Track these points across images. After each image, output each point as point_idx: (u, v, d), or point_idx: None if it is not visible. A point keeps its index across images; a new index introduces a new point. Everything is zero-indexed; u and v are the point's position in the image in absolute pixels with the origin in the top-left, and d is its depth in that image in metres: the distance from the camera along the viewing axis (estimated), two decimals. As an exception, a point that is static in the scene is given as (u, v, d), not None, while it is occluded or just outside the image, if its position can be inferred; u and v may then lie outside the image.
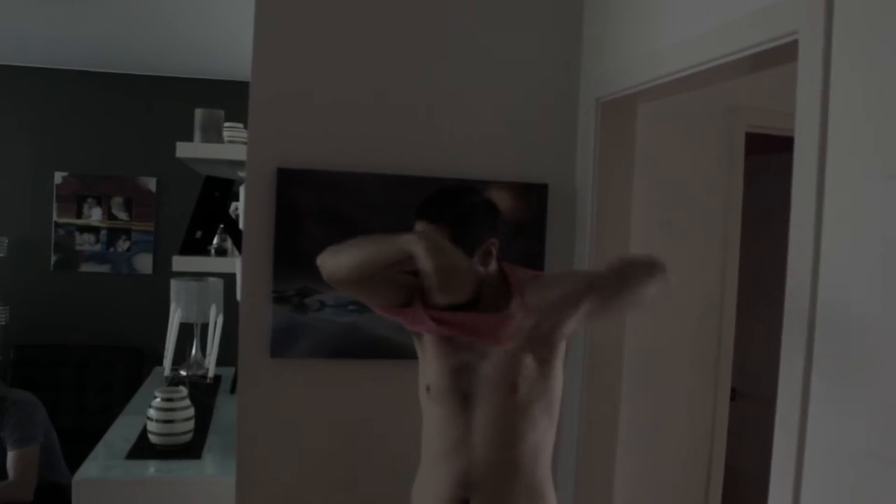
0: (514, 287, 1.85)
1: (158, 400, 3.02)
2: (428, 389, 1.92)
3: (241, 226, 2.52)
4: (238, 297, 2.47)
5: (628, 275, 1.75)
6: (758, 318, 2.87)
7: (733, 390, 3.23)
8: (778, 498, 1.56)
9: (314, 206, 2.34)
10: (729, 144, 2.77)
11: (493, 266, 1.86)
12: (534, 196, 2.47)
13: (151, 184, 5.44)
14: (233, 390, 3.80)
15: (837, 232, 1.45)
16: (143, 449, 3.04)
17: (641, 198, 2.61)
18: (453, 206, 1.83)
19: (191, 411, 3.07)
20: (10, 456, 3.28)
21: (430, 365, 1.92)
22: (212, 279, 4.11)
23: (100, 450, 3.05)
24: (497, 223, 1.88)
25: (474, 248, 1.81)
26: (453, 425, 1.88)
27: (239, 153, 2.92)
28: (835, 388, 1.45)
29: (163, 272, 5.25)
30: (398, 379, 2.40)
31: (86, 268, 5.44)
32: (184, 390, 3.10)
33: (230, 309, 3.94)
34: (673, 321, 2.74)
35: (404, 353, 2.37)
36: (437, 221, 1.79)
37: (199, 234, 3.06)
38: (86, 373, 5.29)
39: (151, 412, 3.02)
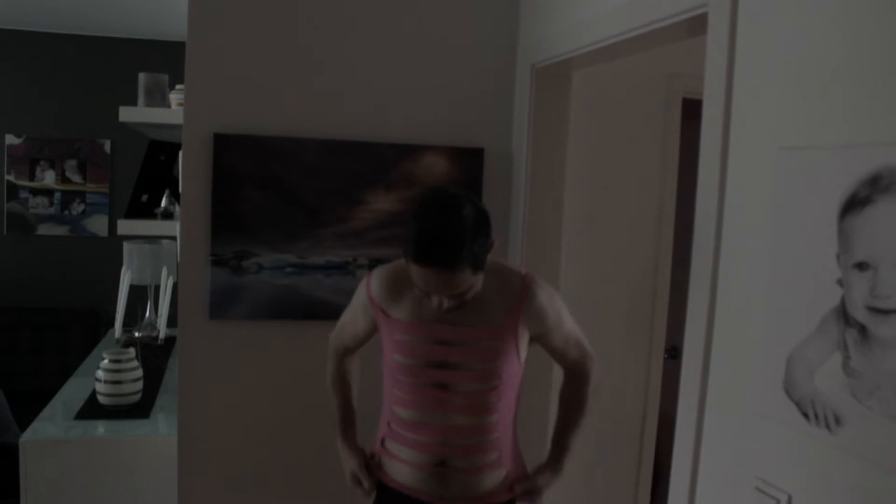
0: (518, 290, 1.87)
1: (106, 361, 3.05)
2: (398, 361, 1.91)
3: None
4: (178, 259, 2.50)
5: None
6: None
7: (675, 349, 3.33)
8: (681, 454, 1.64)
9: (251, 171, 2.36)
10: (666, 110, 2.82)
11: None
12: (470, 161, 2.51)
13: (106, 146, 5.40)
14: (185, 351, 3.84)
15: (737, 199, 1.52)
16: (92, 409, 3.08)
17: (578, 163, 2.66)
18: (463, 243, 1.68)
19: (139, 372, 3.11)
20: None
21: (401, 340, 1.90)
22: (165, 241, 4.11)
23: (49, 411, 3.09)
24: (490, 221, 1.80)
25: (484, 261, 1.76)
26: (426, 397, 1.88)
27: (181, 117, 2.93)
28: (732, 348, 1.53)
29: (118, 235, 5.22)
30: (335, 340, 2.47)
31: (41, 231, 5.41)
32: (132, 351, 3.14)
33: (182, 271, 3.96)
34: (609, 284, 2.81)
35: (340, 314, 2.43)
36: (455, 267, 1.69)
37: (145, 197, 3.07)
38: (43, 336, 5.28)
39: (100, 373, 3.06)
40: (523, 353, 1.94)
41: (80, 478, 2.82)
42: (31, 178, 5.36)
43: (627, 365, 2.90)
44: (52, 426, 2.94)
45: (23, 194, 5.35)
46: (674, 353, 3.32)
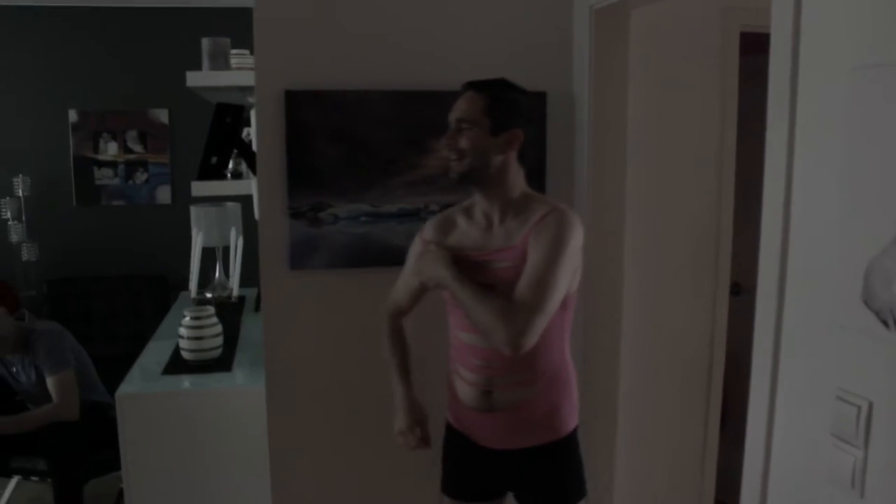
0: (541, 215, 1.96)
1: (188, 318, 3.20)
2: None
3: (254, 148, 2.63)
4: (256, 215, 2.60)
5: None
6: (760, 216, 2.97)
7: (737, 285, 3.36)
8: (760, 370, 1.71)
9: (322, 126, 2.44)
10: (723, 45, 2.82)
11: (514, 182, 2.01)
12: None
13: (163, 115, 5.54)
14: (257, 308, 3.98)
15: (809, 121, 1.55)
16: (177, 365, 3.23)
17: (639, 103, 2.68)
18: (500, 87, 2.00)
19: (219, 328, 3.25)
20: (49, 382, 3.50)
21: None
22: (229, 204, 4.25)
23: (135, 371, 3.23)
24: (532, 124, 2.06)
25: (501, 130, 1.96)
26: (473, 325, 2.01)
27: (247, 79, 3.01)
28: (806, 272, 1.57)
29: (181, 201, 5.40)
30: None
31: (107, 201, 5.59)
32: (211, 308, 3.28)
33: (249, 231, 4.09)
34: (674, 223, 2.84)
35: (415, 260, 2.52)
36: (480, 91, 1.97)
37: (214, 159, 3.17)
38: (115, 302, 5.49)
39: (182, 331, 3.20)
40: None
41: (171, 428, 2.98)
42: (95, 150, 5.53)
43: (693, 303, 2.93)
44: (143, 382, 3.10)
45: (88, 166, 5.53)
46: (735, 290, 3.35)
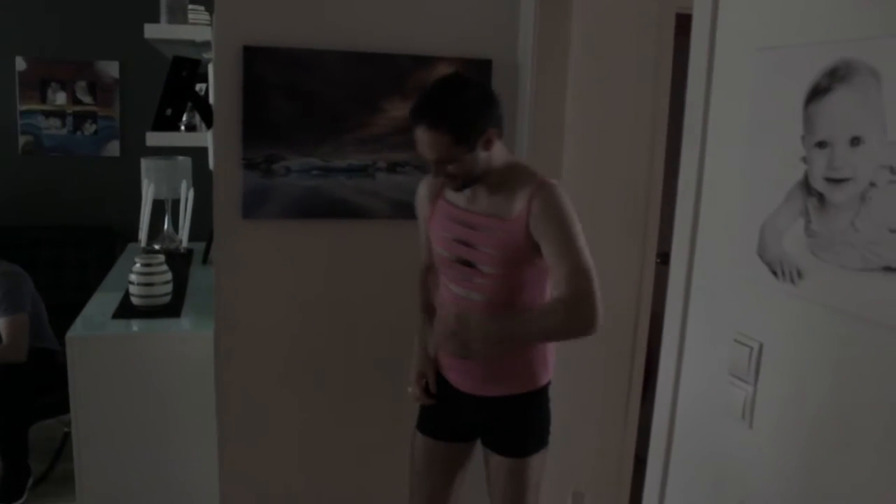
0: (531, 191, 2.02)
1: (139, 265, 3.28)
2: (439, 235, 2.19)
3: (211, 101, 2.72)
4: (211, 166, 2.71)
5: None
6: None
7: (666, 255, 3.56)
8: (671, 318, 1.90)
9: (278, 81, 2.54)
10: (659, 25, 2.99)
11: (497, 156, 2.05)
12: (478, 71, 2.70)
13: (113, 68, 5.53)
14: (205, 261, 4.08)
15: (721, 97, 1.74)
16: (127, 310, 3.32)
17: (578, 78, 2.83)
18: (449, 108, 1.92)
19: (169, 275, 3.34)
20: (2, 323, 3.55)
21: (437, 237, 2.20)
22: (180, 158, 4.32)
23: (80, 321, 3.25)
24: (494, 110, 2.02)
25: (476, 142, 1.97)
26: (457, 272, 2.15)
27: (204, 34, 3.10)
28: (713, 229, 1.77)
29: (130, 154, 5.42)
30: (356, 235, 2.71)
31: (54, 152, 5.58)
32: (161, 256, 3.37)
33: (199, 185, 4.17)
34: (607, 194, 2.99)
35: (361, 213, 2.68)
36: (437, 128, 1.91)
37: (169, 111, 3.26)
38: (62, 252, 5.50)
39: (133, 277, 3.29)
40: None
41: (120, 370, 3.06)
42: (43, 100, 5.50)
43: (622, 270, 3.10)
44: (93, 325, 3.18)
45: (36, 117, 5.50)
46: (665, 259, 3.55)
